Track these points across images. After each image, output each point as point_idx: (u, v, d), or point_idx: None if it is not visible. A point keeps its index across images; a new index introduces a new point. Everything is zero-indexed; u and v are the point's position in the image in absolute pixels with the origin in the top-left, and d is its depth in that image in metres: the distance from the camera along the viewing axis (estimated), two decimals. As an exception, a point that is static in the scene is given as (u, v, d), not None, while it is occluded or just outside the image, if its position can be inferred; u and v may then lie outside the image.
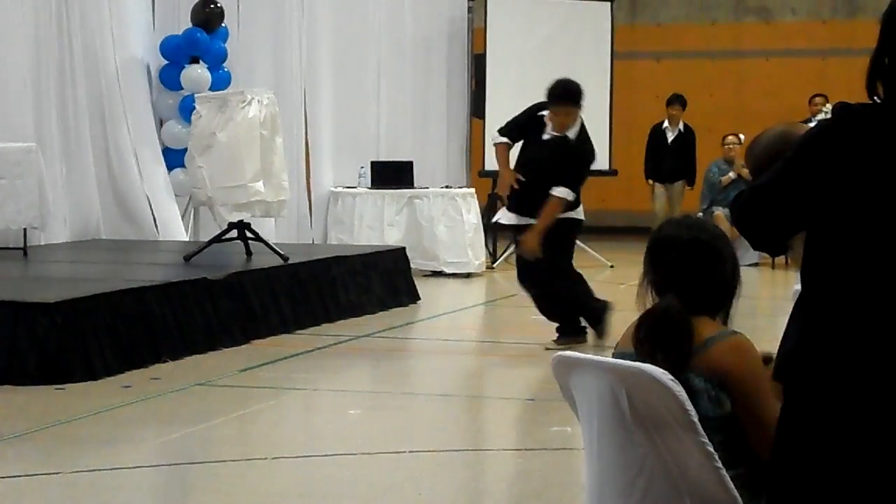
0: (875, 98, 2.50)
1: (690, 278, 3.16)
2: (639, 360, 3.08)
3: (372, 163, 13.81)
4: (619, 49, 15.51)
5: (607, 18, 15.27)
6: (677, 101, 15.30)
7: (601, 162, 15.12)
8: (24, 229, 10.11)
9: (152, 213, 11.86)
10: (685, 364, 3.06)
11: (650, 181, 15.31)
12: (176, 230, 11.96)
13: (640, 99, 16.26)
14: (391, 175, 13.63)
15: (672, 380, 2.93)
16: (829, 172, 2.46)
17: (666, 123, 15.36)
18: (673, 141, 15.26)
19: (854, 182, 2.44)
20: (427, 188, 13.65)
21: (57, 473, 5.59)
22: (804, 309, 2.53)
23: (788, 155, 2.55)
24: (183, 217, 12.30)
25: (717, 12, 18.41)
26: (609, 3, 15.33)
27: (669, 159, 15.24)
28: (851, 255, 2.44)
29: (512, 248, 14.21)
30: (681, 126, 15.30)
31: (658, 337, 3.10)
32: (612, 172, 15.23)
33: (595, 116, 15.00)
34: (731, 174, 14.61)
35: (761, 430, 3.01)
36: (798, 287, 2.65)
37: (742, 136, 14.82)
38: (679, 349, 3.07)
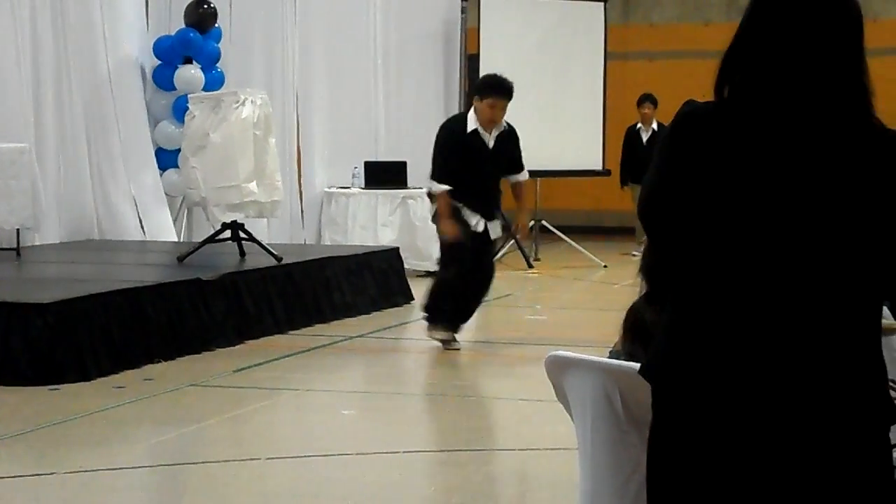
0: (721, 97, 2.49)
1: None
2: (625, 356, 3.09)
3: (365, 163, 13.81)
4: (612, 49, 15.52)
5: (600, 18, 15.28)
6: (648, 100, 15.23)
7: (594, 162, 15.18)
8: (18, 230, 10.11)
9: (144, 215, 11.85)
10: None
11: (628, 184, 15.18)
12: (164, 233, 11.94)
13: (633, 99, 16.23)
14: (385, 175, 13.63)
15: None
16: (679, 168, 2.44)
17: (639, 124, 15.31)
18: (647, 141, 15.23)
19: (702, 181, 2.42)
20: (421, 188, 13.63)
21: (50, 474, 5.59)
22: (671, 307, 2.50)
23: (658, 147, 2.54)
24: (176, 217, 12.29)
25: (710, 12, 18.44)
26: (602, 4, 15.34)
27: (645, 160, 15.17)
28: (705, 251, 2.42)
29: (506, 249, 14.24)
30: (654, 125, 15.28)
31: (636, 332, 3.12)
32: (605, 173, 15.24)
33: (588, 117, 15.06)
34: None
35: None
36: None
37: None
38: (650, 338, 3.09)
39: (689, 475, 2.43)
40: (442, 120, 16.27)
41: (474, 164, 8.50)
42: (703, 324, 2.41)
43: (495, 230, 8.70)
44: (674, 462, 2.45)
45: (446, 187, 8.48)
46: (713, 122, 2.43)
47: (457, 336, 8.79)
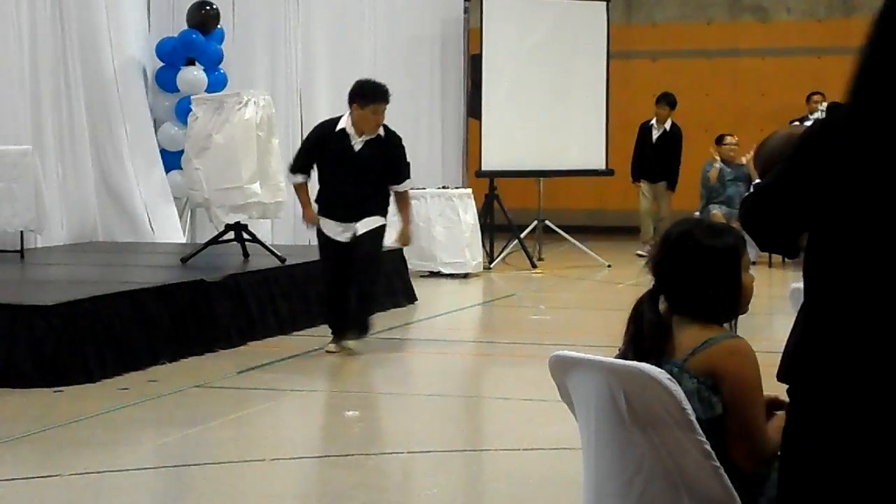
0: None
1: (695, 284, 3.14)
2: (628, 356, 3.09)
3: (369, 164, 13.79)
4: (614, 49, 15.51)
5: (603, 18, 15.27)
6: (665, 99, 15.28)
7: (598, 162, 15.17)
8: (21, 232, 10.11)
9: (148, 216, 11.86)
10: (652, 353, 3.06)
11: (640, 181, 15.25)
12: (173, 232, 11.95)
13: (636, 98, 16.27)
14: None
15: (669, 379, 2.93)
16: (825, 173, 2.46)
17: (653, 121, 15.34)
18: (657, 139, 15.24)
19: (845, 183, 2.44)
20: (424, 189, 13.64)
21: (55, 476, 5.59)
22: (805, 311, 2.53)
23: (789, 155, 2.56)
24: (180, 219, 12.29)
25: (712, 11, 18.42)
26: (605, 3, 15.33)
27: (653, 158, 15.21)
28: (849, 256, 2.44)
29: (509, 249, 14.24)
30: (667, 125, 15.28)
31: (636, 328, 3.12)
32: (608, 172, 15.23)
33: (591, 116, 15.04)
34: (717, 165, 14.54)
35: (743, 438, 3.00)
36: (795, 285, 2.65)
37: (736, 138, 14.82)
38: (656, 347, 3.08)
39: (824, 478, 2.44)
40: (444, 120, 16.34)
41: (338, 164, 8.45)
42: (850, 330, 2.42)
43: (361, 229, 8.50)
44: (809, 463, 2.46)
45: (301, 178, 8.62)
46: (856, 133, 2.44)
47: (344, 342, 8.63)
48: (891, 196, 2.39)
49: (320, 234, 8.62)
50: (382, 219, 8.60)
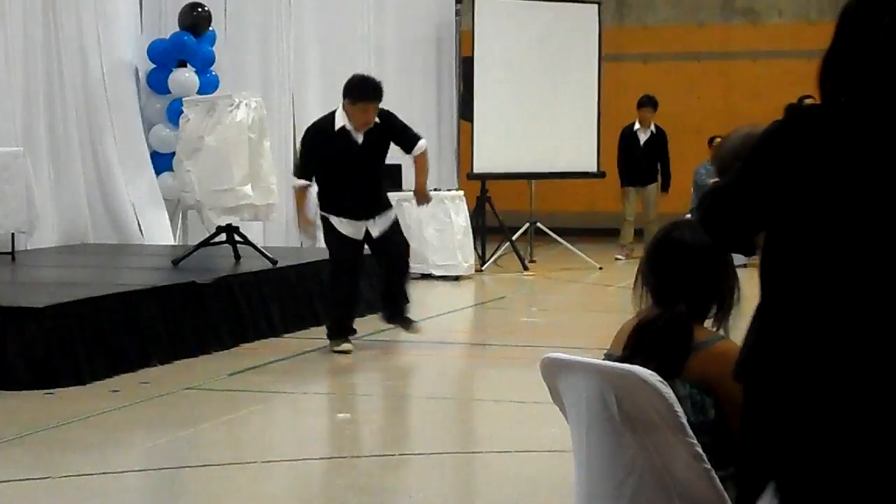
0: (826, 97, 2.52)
1: (697, 286, 3.14)
2: (628, 363, 3.07)
3: (360, 166, 13.78)
4: (606, 51, 15.52)
5: (595, 20, 15.28)
6: (649, 102, 15.29)
7: (589, 164, 15.18)
8: (12, 234, 10.10)
9: (137, 219, 11.85)
10: (676, 373, 3.05)
11: (629, 186, 15.23)
12: (162, 235, 11.94)
13: (627, 101, 16.24)
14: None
15: (661, 381, 2.93)
16: (780, 173, 2.48)
17: (637, 125, 15.33)
18: (645, 143, 15.25)
19: (804, 182, 2.45)
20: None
21: (45, 478, 5.58)
22: (760, 310, 2.54)
23: (745, 156, 2.57)
24: (171, 221, 12.28)
25: (704, 14, 18.44)
26: (596, 5, 15.35)
27: (643, 161, 15.22)
28: (804, 255, 2.45)
29: (501, 251, 14.24)
30: (653, 128, 15.29)
31: (660, 345, 3.09)
32: (599, 174, 15.24)
33: (583, 118, 15.05)
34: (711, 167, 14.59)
35: None
36: None
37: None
38: (677, 359, 3.07)
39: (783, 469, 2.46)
40: (437, 123, 16.33)
41: (344, 162, 8.48)
42: (803, 328, 2.43)
43: (380, 226, 8.62)
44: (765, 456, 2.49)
45: (304, 182, 8.65)
46: (825, 124, 2.46)
47: (346, 344, 8.70)
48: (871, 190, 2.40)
49: (333, 233, 8.59)
50: (392, 209, 8.75)
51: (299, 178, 8.74)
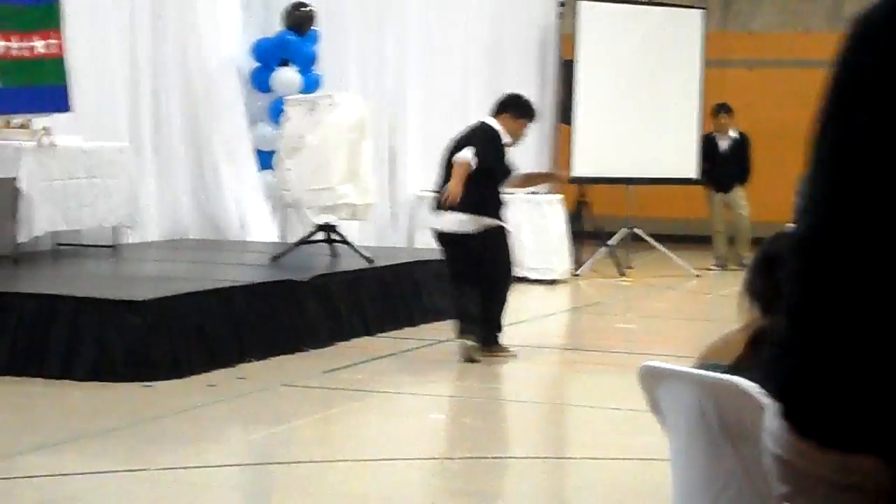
0: None
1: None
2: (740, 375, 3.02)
3: (458, 167, 13.78)
4: (709, 57, 15.36)
5: (698, 26, 15.13)
6: (723, 109, 15.16)
7: (689, 170, 15.03)
8: (115, 228, 10.25)
9: (240, 215, 11.96)
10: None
11: (710, 191, 15.13)
12: (264, 231, 12.05)
13: (732, 107, 16.04)
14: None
15: (763, 393, 2.87)
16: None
17: (715, 133, 15.18)
18: (729, 148, 15.12)
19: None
20: (513, 193, 13.59)
21: (142, 470, 5.64)
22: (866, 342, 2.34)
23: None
24: (272, 218, 12.38)
25: (811, 20, 18.18)
26: (700, 11, 15.19)
27: (723, 167, 15.08)
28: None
29: (599, 256, 14.15)
30: (733, 133, 15.13)
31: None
32: (699, 181, 15.09)
33: (684, 125, 14.90)
34: None
35: None
36: None
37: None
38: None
39: None
40: (536, 126, 16.24)
41: (503, 168, 8.74)
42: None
43: (465, 224, 8.58)
44: None
45: (474, 161, 8.48)
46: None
47: (481, 349, 8.47)
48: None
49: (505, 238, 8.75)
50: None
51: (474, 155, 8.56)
